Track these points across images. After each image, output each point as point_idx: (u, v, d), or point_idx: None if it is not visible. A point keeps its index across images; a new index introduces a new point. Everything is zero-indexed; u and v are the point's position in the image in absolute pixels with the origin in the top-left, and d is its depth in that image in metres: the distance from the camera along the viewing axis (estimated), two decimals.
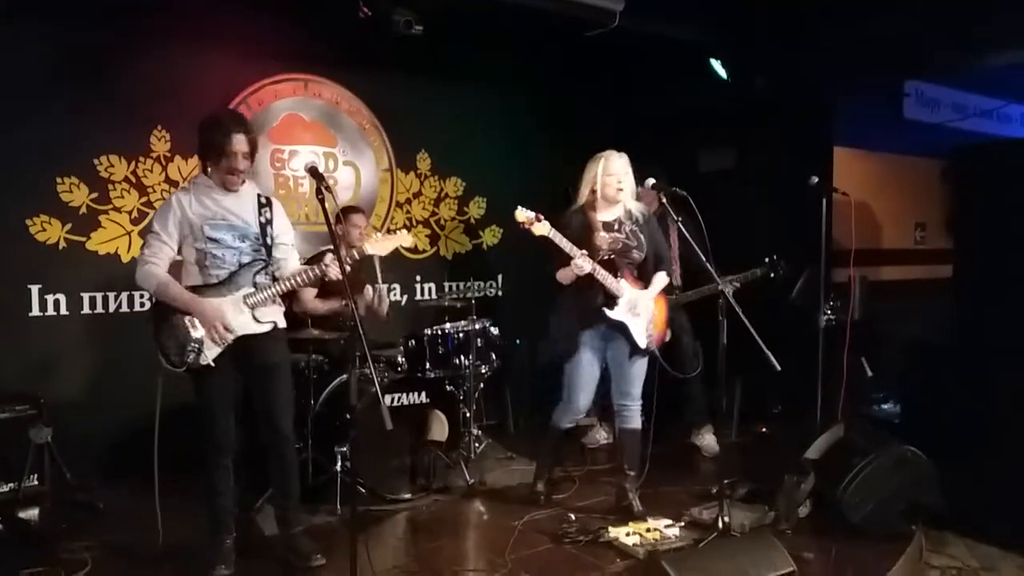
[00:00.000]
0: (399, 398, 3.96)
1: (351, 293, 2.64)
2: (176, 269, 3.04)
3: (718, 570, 2.37)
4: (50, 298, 4.19)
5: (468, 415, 4.54)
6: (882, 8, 4.60)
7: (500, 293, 5.87)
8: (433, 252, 5.61)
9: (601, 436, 4.97)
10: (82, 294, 4.28)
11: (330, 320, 4.23)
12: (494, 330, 4.63)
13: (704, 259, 3.29)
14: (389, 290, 5.35)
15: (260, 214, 3.03)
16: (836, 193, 4.26)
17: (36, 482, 3.70)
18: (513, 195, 5.67)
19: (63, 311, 4.22)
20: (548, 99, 5.80)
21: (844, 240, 4.66)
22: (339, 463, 3.82)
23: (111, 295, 4.34)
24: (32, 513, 3.61)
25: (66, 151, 4.19)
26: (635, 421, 3.67)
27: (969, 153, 4.50)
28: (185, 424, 3.09)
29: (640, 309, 3.57)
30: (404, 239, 3.13)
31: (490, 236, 5.86)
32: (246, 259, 2.99)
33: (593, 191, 3.60)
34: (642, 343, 3.57)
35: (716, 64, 5.29)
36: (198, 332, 2.91)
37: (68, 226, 4.23)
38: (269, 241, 3.02)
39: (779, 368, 2.97)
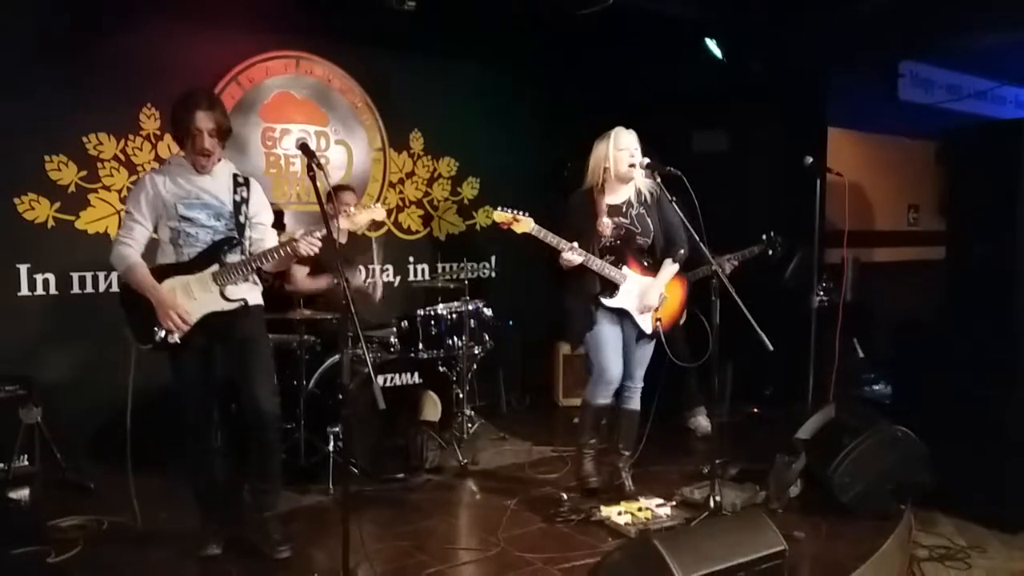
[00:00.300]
0: (392, 378, 3.96)
1: (341, 271, 2.62)
2: (154, 248, 3.02)
3: (709, 549, 2.38)
4: (39, 277, 4.16)
5: (461, 396, 4.54)
6: None
7: (493, 274, 5.86)
8: (426, 233, 5.59)
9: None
10: (71, 273, 4.24)
11: (322, 300, 4.21)
12: (487, 311, 4.63)
13: (698, 239, 3.26)
14: (383, 271, 5.34)
15: (235, 192, 2.98)
16: (830, 174, 4.24)
17: (26, 462, 3.70)
18: (507, 175, 5.76)
19: (52, 291, 4.19)
20: (543, 78, 5.76)
21: (838, 221, 4.65)
22: (331, 443, 3.82)
23: (101, 274, 4.30)
24: (22, 493, 3.61)
25: (54, 129, 4.14)
26: (636, 402, 3.67)
27: (963, 134, 4.48)
28: (173, 403, 3.08)
29: (649, 298, 3.50)
30: (378, 212, 3.09)
31: (483, 217, 5.83)
32: (219, 238, 2.95)
33: (606, 169, 3.49)
34: (647, 329, 3.54)
35: (711, 43, 5.25)
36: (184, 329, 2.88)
37: (57, 205, 4.19)
38: (243, 219, 2.98)
39: (772, 348, 2.96)
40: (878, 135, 6.03)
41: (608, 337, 3.52)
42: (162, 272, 2.91)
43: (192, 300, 2.90)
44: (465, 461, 4.17)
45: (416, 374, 4.04)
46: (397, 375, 3.98)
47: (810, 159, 4.08)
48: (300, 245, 2.85)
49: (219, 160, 3.01)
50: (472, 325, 4.48)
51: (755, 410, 5.16)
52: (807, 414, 3.64)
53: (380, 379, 3.91)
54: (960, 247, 4.22)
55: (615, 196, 3.54)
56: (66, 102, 4.14)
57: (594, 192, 3.54)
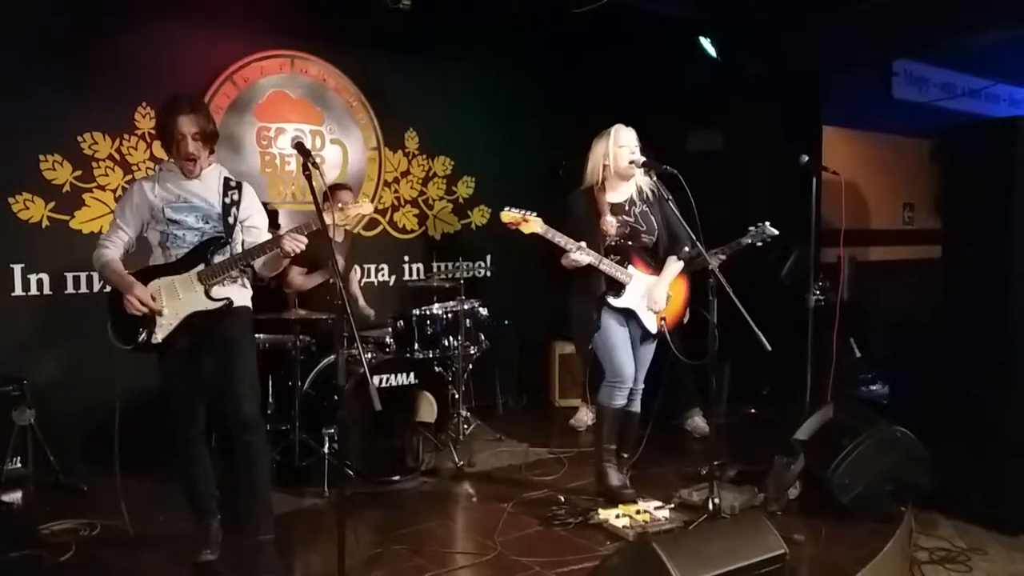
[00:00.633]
0: (387, 379, 3.94)
1: (336, 271, 2.60)
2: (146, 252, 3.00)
3: (709, 552, 2.36)
4: (33, 277, 4.13)
5: (457, 396, 4.53)
6: None
7: (489, 273, 5.84)
8: (421, 232, 5.56)
9: (588, 418, 4.96)
10: (66, 273, 4.22)
11: (317, 300, 4.19)
12: (483, 310, 4.61)
13: (694, 239, 3.25)
14: (377, 270, 5.33)
15: (225, 195, 2.97)
16: (826, 172, 4.24)
17: (19, 465, 3.67)
18: (502, 174, 5.74)
19: (46, 291, 4.17)
20: (537, 77, 5.74)
21: (833, 220, 4.65)
22: (327, 445, 3.80)
23: (95, 275, 4.26)
24: (15, 496, 3.58)
25: (50, 128, 4.12)
26: (637, 404, 3.63)
27: (958, 133, 4.48)
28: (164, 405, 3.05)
29: (655, 296, 3.47)
30: (365, 207, 3.06)
31: (479, 216, 5.81)
32: (207, 239, 2.94)
33: (606, 166, 3.45)
34: (652, 329, 3.51)
35: (706, 42, 5.24)
36: (147, 311, 2.86)
37: (51, 204, 4.16)
38: (232, 221, 2.96)
39: (770, 348, 2.95)
40: (873, 133, 6.03)
41: (618, 337, 3.47)
42: (148, 273, 2.91)
43: (176, 299, 2.89)
44: (461, 463, 4.15)
45: (411, 375, 4.02)
46: (392, 375, 3.96)
47: (806, 158, 4.08)
48: (284, 241, 2.82)
49: (209, 164, 2.99)
50: (468, 325, 4.46)
51: (752, 411, 5.15)
52: (805, 415, 3.63)
53: (375, 379, 3.89)
54: (955, 246, 4.22)
55: (616, 194, 3.50)
56: (61, 101, 4.12)
57: (595, 191, 3.49)
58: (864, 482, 3.33)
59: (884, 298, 5.32)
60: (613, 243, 3.44)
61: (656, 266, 3.54)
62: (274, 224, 3.76)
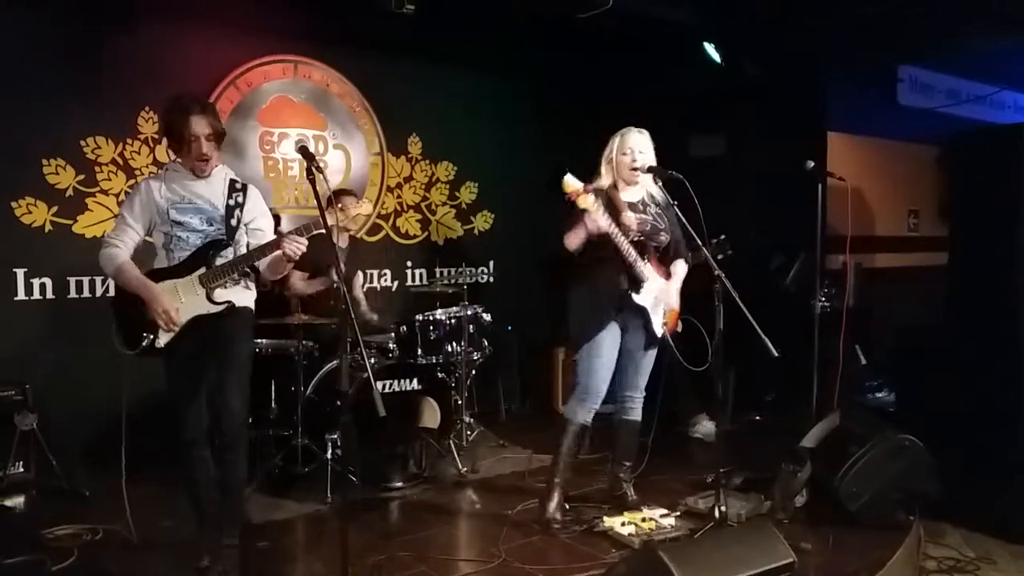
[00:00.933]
0: (390, 384, 3.92)
1: (339, 276, 2.59)
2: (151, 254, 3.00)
3: (716, 560, 2.34)
4: (36, 282, 4.12)
5: (460, 402, 4.50)
6: None
7: (492, 279, 5.82)
8: (424, 237, 5.55)
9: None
10: (68, 278, 4.21)
11: (320, 305, 4.17)
12: (486, 316, 4.59)
13: (701, 244, 3.23)
14: (380, 276, 5.31)
15: (230, 197, 2.96)
16: (832, 178, 4.22)
17: (21, 469, 3.65)
18: (505, 179, 5.73)
19: (49, 295, 4.16)
20: (540, 83, 5.74)
21: (838, 226, 4.63)
22: (329, 451, 3.78)
23: (98, 279, 4.26)
24: (17, 501, 3.57)
25: (52, 133, 4.12)
26: (638, 413, 3.58)
27: (964, 139, 4.46)
28: (169, 410, 3.04)
29: (663, 297, 3.43)
30: (364, 207, 3.09)
31: (482, 221, 5.80)
32: (209, 241, 2.92)
33: (611, 168, 3.42)
34: (658, 332, 3.45)
35: (710, 48, 5.23)
36: (151, 316, 2.84)
37: (54, 209, 4.15)
38: (234, 223, 2.95)
39: (777, 354, 2.93)
40: (878, 139, 6.01)
41: (606, 353, 3.40)
42: (152, 276, 2.89)
43: (179, 303, 2.87)
44: (464, 469, 4.13)
45: (415, 380, 4.01)
46: (395, 381, 3.95)
47: (812, 163, 4.06)
48: (284, 243, 2.81)
49: (216, 164, 2.98)
50: (471, 330, 4.44)
51: (757, 417, 5.13)
52: (811, 421, 3.61)
53: (379, 385, 3.86)
54: (962, 253, 4.20)
55: (629, 194, 3.44)
56: (65, 106, 4.12)
57: (608, 189, 3.42)
58: (872, 490, 3.31)
59: (889, 305, 5.29)
60: (635, 239, 3.35)
61: (666, 268, 3.51)
62: (277, 230, 3.74)
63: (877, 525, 3.28)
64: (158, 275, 2.89)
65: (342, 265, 4.41)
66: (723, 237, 4.34)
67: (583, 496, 3.75)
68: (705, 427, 4.79)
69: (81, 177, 4.22)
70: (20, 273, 4.08)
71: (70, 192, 4.19)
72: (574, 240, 3.28)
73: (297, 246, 2.82)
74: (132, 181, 4.33)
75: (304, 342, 3.99)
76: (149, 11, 4.27)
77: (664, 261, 3.51)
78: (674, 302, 3.47)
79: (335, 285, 3.97)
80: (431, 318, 4.34)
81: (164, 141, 4.28)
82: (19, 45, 3.98)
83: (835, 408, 3.79)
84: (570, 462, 3.49)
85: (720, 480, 3.24)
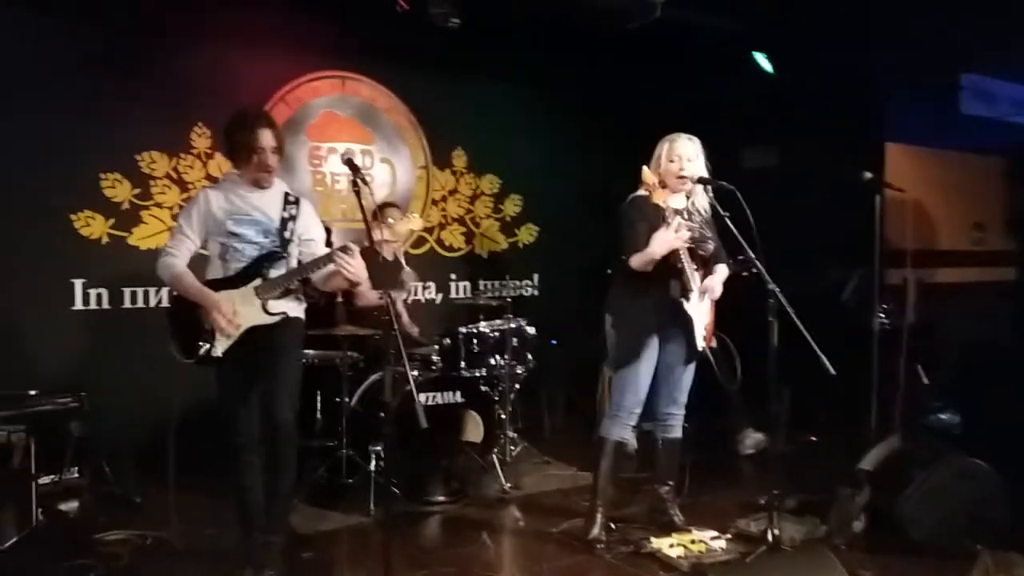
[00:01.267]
0: (433, 397, 3.90)
1: (386, 288, 2.57)
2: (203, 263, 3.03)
3: None
4: (92, 292, 4.23)
5: (503, 416, 4.45)
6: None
7: (536, 292, 5.78)
8: (468, 250, 5.54)
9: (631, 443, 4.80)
10: (123, 289, 4.31)
11: (366, 317, 4.18)
12: (530, 330, 4.53)
13: (753, 257, 3.11)
14: (424, 288, 5.30)
15: (285, 210, 3.00)
16: (891, 189, 4.07)
17: (76, 475, 3.71)
18: (550, 192, 5.70)
19: (105, 305, 4.26)
20: (586, 95, 5.70)
21: (898, 240, 4.47)
22: (373, 462, 3.76)
23: (151, 290, 4.36)
24: (72, 505, 3.63)
25: (110, 148, 4.24)
26: (679, 430, 3.49)
27: None
28: (218, 418, 3.06)
29: (704, 306, 3.33)
30: (415, 222, 3.02)
31: (526, 234, 5.77)
32: (264, 253, 2.95)
33: (659, 174, 3.30)
34: (699, 345, 3.34)
35: (761, 57, 5.12)
36: (209, 325, 2.88)
37: (111, 221, 4.27)
38: (288, 235, 2.99)
39: (833, 372, 2.80)
40: (939, 150, 5.80)
41: (644, 371, 3.31)
42: (208, 287, 2.94)
43: (235, 314, 2.90)
44: (508, 485, 4.07)
45: (458, 393, 3.98)
46: (439, 394, 3.92)
47: (868, 175, 3.93)
48: (337, 259, 2.82)
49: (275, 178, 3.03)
50: (514, 344, 4.38)
51: (813, 438, 4.95)
52: (870, 443, 3.45)
53: (422, 397, 3.85)
54: None
55: (674, 201, 3.31)
56: (121, 122, 4.23)
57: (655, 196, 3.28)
58: (936, 516, 3.14)
59: (953, 322, 5.07)
60: (686, 246, 3.24)
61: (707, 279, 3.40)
62: (328, 243, 3.78)
63: (942, 554, 3.11)
64: (214, 286, 2.94)
65: (403, 279, 4.46)
66: (740, 257, 4.23)
67: (630, 516, 3.65)
68: (753, 438, 4.64)
69: (137, 191, 4.33)
70: (78, 284, 4.19)
71: (126, 205, 4.30)
72: (641, 263, 3.18)
73: (349, 265, 2.81)
74: (185, 195, 4.43)
75: (349, 353, 4.00)
76: (202, 29, 4.38)
77: (707, 270, 3.41)
78: (717, 288, 3.33)
79: (380, 297, 3.98)
80: (475, 331, 4.31)
81: (216, 154, 4.46)
82: (79, 62, 4.11)
83: (896, 429, 3.62)
84: (610, 482, 3.41)
85: (773, 502, 3.11)
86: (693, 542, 3.19)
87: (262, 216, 2.97)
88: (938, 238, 5.87)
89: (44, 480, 3.56)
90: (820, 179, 5.27)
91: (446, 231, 5.45)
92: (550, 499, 4.02)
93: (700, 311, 3.32)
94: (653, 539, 3.25)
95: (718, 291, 3.37)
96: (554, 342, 5.24)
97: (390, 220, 3.13)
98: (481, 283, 5.50)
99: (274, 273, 2.95)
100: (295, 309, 3.03)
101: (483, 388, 4.26)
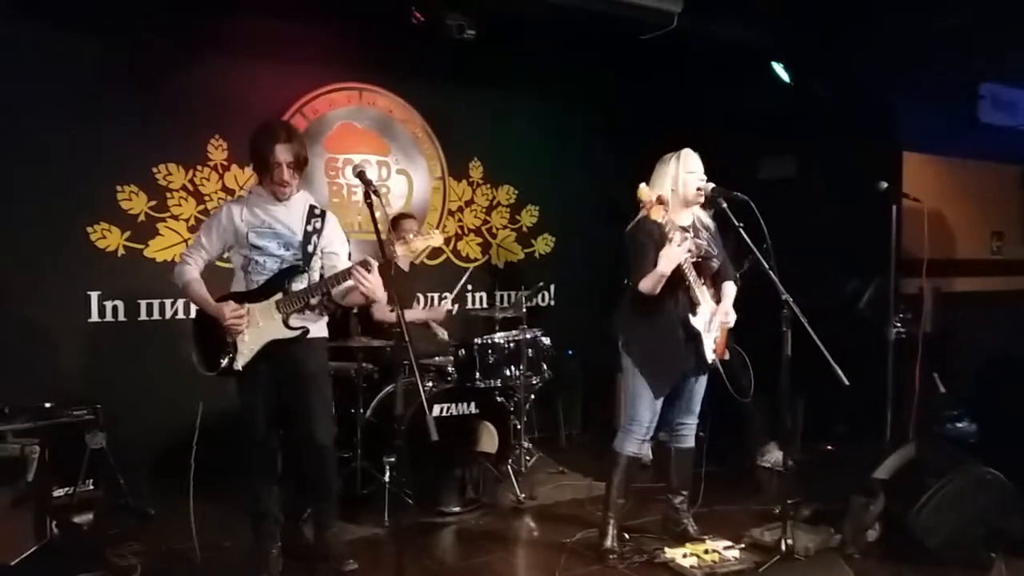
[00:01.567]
0: (448, 408, 3.90)
1: (399, 301, 2.59)
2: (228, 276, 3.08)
3: None
4: (108, 304, 4.27)
5: (519, 427, 4.45)
6: (952, 6, 4.37)
7: (552, 303, 5.78)
8: (484, 261, 5.56)
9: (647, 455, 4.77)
10: (139, 301, 4.34)
11: (381, 328, 4.20)
12: (545, 340, 4.53)
13: (768, 268, 3.11)
14: (440, 299, 5.32)
15: (308, 223, 3.03)
16: (907, 199, 4.04)
17: (91, 487, 3.75)
18: (566, 203, 5.70)
19: (121, 317, 4.29)
20: (603, 105, 5.71)
21: (914, 249, 4.42)
22: (387, 473, 3.77)
23: (167, 302, 4.39)
24: (86, 518, 3.66)
25: (126, 160, 4.28)
26: (692, 440, 3.50)
27: None
28: (234, 431, 3.09)
29: (715, 322, 3.34)
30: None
31: (542, 245, 5.78)
32: (286, 266, 2.98)
33: (673, 191, 3.30)
34: (709, 358, 3.35)
35: (778, 67, 5.11)
36: (231, 338, 2.92)
37: (127, 234, 4.31)
38: (311, 249, 3.02)
39: (847, 382, 2.79)
40: (958, 159, 5.75)
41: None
42: (231, 300, 2.98)
43: (256, 327, 2.95)
44: (523, 495, 4.06)
45: (473, 404, 3.98)
46: (454, 404, 3.93)
47: (884, 184, 3.90)
48: (355, 274, 2.84)
49: (297, 190, 3.05)
50: (530, 354, 4.39)
51: (828, 447, 4.90)
52: (885, 452, 3.42)
53: (436, 408, 3.86)
54: None
55: (680, 218, 3.36)
56: (137, 134, 4.28)
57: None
58: (951, 526, 3.11)
59: (971, 331, 5.01)
60: (693, 261, 3.27)
61: (716, 292, 3.42)
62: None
63: (956, 563, 3.08)
64: (236, 299, 2.98)
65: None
66: (746, 267, 4.21)
67: (643, 526, 3.64)
68: (773, 456, 4.61)
69: (153, 203, 4.38)
70: (94, 296, 4.23)
71: (142, 217, 4.35)
72: (649, 286, 3.19)
73: (366, 280, 2.83)
74: (202, 207, 4.48)
75: (364, 365, 4.02)
76: (219, 41, 4.43)
77: (714, 285, 3.42)
78: (730, 315, 3.35)
79: (391, 309, 4.00)
80: (490, 341, 4.32)
81: (232, 167, 4.52)
82: (95, 75, 4.15)
83: (911, 438, 3.58)
84: (624, 495, 3.41)
85: (787, 511, 3.10)
86: (707, 552, 3.18)
87: (284, 229, 3.01)
88: (956, 247, 5.81)
89: (59, 492, 3.60)
90: (837, 189, 5.25)
91: (462, 242, 5.47)
92: (565, 509, 4.01)
93: (709, 324, 3.33)
94: (667, 549, 3.25)
95: (732, 317, 3.37)
96: (570, 352, 5.24)
97: (410, 235, 3.11)
98: (497, 294, 5.51)
99: (296, 287, 2.98)
100: (316, 325, 3.07)
101: (499, 399, 4.27)
